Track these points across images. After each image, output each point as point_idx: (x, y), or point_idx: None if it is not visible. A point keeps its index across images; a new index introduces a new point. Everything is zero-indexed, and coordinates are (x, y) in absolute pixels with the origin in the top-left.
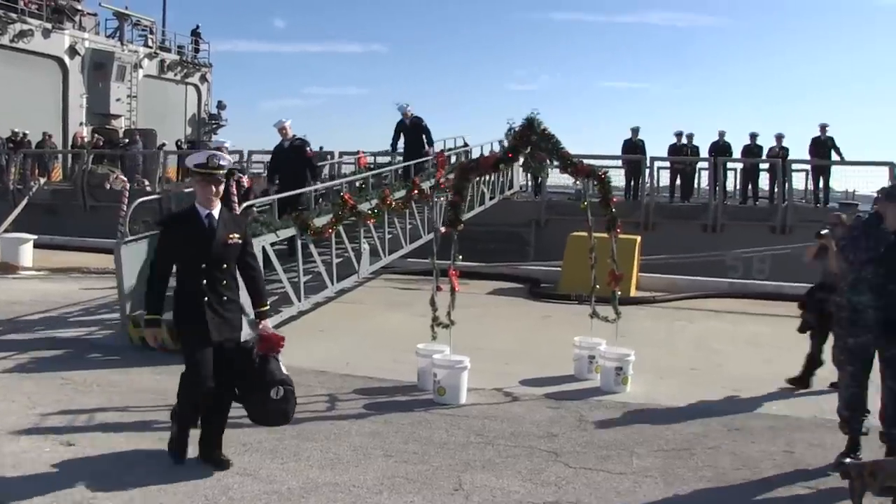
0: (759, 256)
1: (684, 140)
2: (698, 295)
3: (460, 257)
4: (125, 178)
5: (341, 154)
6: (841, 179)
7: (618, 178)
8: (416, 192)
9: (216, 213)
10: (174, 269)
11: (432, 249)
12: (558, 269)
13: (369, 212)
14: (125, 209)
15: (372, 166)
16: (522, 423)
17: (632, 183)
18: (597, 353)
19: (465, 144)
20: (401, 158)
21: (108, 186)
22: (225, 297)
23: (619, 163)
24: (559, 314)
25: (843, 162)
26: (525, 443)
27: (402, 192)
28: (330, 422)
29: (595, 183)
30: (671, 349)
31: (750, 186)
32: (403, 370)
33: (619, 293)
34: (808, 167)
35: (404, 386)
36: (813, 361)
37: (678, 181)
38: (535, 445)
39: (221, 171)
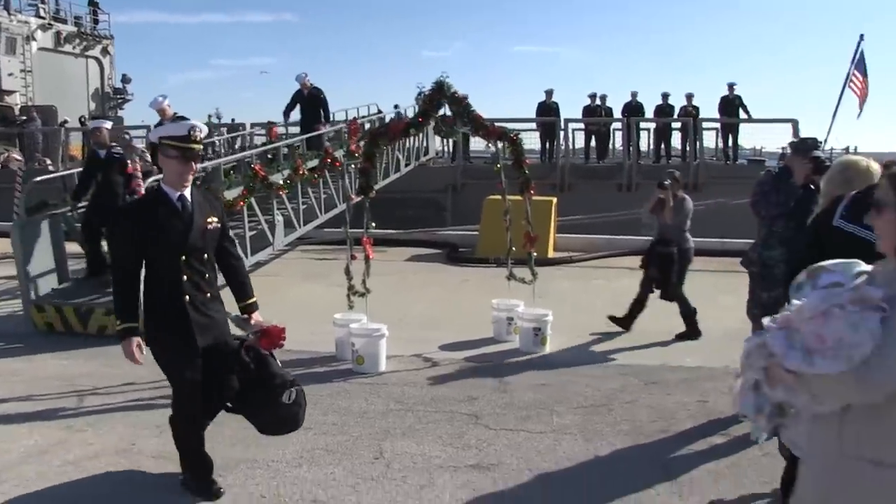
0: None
1: (598, 101)
2: (615, 253)
3: (373, 225)
4: (20, 157)
5: (252, 126)
6: (749, 137)
7: (533, 142)
8: (328, 160)
9: (188, 194)
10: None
11: (345, 218)
12: (476, 233)
13: (282, 182)
14: (20, 190)
15: (285, 137)
16: (442, 387)
17: (547, 145)
18: (515, 314)
19: (379, 111)
20: (296, 130)
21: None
22: (208, 294)
23: (534, 126)
24: (477, 278)
25: (750, 120)
26: (445, 407)
27: (314, 162)
28: None
29: (507, 145)
30: (589, 308)
31: (663, 146)
32: (321, 341)
33: (536, 255)
34: (717, 126)
35: (322, 357)
36: (638, 304)
37: (593, 142)
38: (456, 410)
39: (200, 147)
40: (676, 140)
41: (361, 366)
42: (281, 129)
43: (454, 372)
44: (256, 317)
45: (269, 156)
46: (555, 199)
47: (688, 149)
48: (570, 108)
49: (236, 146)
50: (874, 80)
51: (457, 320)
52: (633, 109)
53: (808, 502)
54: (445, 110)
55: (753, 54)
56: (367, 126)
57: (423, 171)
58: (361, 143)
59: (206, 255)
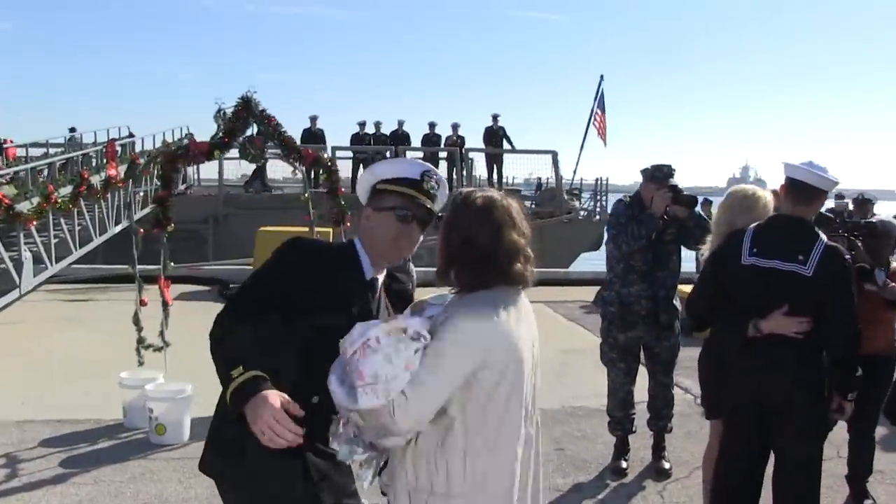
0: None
1: (367, 129)
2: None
3: (171, 264)
4: None
5: None
6: (512, 166)
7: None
8: (83, 188)
9: (381, 278)
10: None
11: (132, 255)
12: (247, 267)
13: (29, 212)
14: None
15: (24, 158)
16: None
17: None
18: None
19: (131, 134)
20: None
21: None
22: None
23: None
24: None
25: (513, 150)
26: None
27: (68, 189)
28: (16, 497)
29: (322, 172)
30: None
31: None
32: (100, 405)
33: None
34: (482, 155)
35: (106, 426)
36: None
37: (360, 171)
38: None
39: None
40: (443, 169)
41: (162, 436)
42: (20, 151)
43: None
44: None
45: (7, 179)
46: (332, 230)
47: (454, 178)
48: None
49: None
50: (618, 118)
51: None
52: (400, 138)
53: None
54: (253, 130)
55: (516, 88)
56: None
57: (181, 200)
58: (122, 168)
59: None
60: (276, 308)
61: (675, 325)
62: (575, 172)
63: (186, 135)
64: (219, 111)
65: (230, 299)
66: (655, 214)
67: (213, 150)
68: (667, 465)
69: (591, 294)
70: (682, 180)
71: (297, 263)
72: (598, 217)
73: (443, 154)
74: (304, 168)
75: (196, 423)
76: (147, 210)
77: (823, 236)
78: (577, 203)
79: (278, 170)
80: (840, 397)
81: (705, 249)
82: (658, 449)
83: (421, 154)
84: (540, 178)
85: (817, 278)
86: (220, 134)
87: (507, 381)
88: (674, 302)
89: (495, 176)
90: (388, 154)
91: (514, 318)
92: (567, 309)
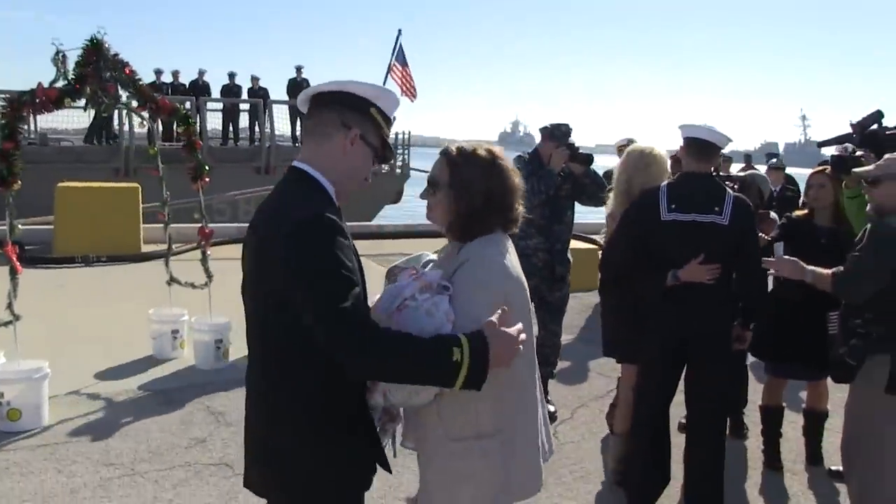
0: (246, 198)
1: (168, 78)
2: (217, 242)
3: (19, 226)
4: None
5: None
6: None
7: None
8: None
9: None
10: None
11: None
12: (47, 227)
13: None
14: None
15: None
16: (149, 433)
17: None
18: (181, 325)
19: None
20: None
21: None
22: None
23: None
24: (74, 282)
25: None
26: (179, 460)
27: None
28: None
29: (179, 124)
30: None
31: (231, 127)
32: None
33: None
34: (286, 108)
35: None
36: None
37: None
38: (197, 461)
39: None
40: (244, 121)
41: (17, 422)
42: None
43: (143, 408)
44: None
45: None
46: (139, 186)
47: (257, 131)
48: None
49: None
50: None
51: (83, 338)
52: (201, 88)
53: (431, 492)
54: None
55: (322, 40)
56: None
57: None
58: None
59: None
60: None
61: (567, 277)
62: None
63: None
64: (57, 53)
65: (337, 330)
66: (553, 171)
67: (62, 97)
68: (552, 409)
69: (404, 247)
70: (460, 134)
71: (344, 245)
72: (398, 171)
73: (244, 106)
74: (159, 120)
75: (55, 404)
76: None
77: (730, 190)
78: None
79: (62, 120)
80: (742, 328)
81: (605, 206)
82: (543, 394)
83: (221, 106)
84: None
85: (733, 226)
86: (69, 79)
87: (526, 319)
88: (568, 255)
89: (298, 129)
90: (187, 105)
91: (516, 260)
92: (390, 262)
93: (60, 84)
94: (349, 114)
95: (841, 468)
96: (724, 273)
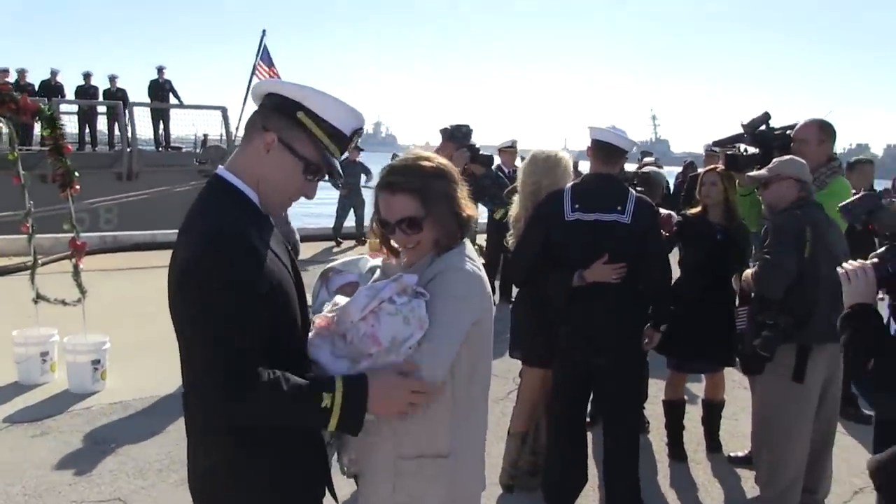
0: (107, 206)
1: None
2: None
3: None
4: None
5: None
6: (179, 123)
7: None
8: None
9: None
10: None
11: None
12: None
13: None
14: None
15: None
16: (24, 471)
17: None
18: (50, 346)
19: None
20: None
21: None
22: None
23: None
24: None
25: (181, 106)
26: (64, 500)
27: None
28: None
29: (44, 126)
30: (115, 321)
31: (88, 130)
32: None
33: None
34: (147, 110)
35: None
36: None
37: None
38: (86, 498)
39: None
40: (103, 125)
41: None
42: None
43: (12, 443)
44: None
45: None
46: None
47: (116, 134)
48: None
49: None
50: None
51: None
52: (53, 90)
53: None
54: None
55: (183, 40)
56: None
57: None
58: None
59: None
60: (259, 328)
61: None
62: (237, 129)
63: None
64: None
65: (207, 372)
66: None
67: None
68: None
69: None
70: None
71: (245, 264)
72: None
73: (101, 109)
74: (17, 122)
75: None
76: None
77: (632, 190)
78: None
79: None
80: (653, 329)
81: (511, 209)
82: None
83: (76, 108)
84: (206, 135)
85: (635, 225)
86: None
87: (489, 333)
88: None
89: (161, 132)
90: None
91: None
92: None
93: None
94: (272, 116)
95: (739, 454)
96: (630, 272)
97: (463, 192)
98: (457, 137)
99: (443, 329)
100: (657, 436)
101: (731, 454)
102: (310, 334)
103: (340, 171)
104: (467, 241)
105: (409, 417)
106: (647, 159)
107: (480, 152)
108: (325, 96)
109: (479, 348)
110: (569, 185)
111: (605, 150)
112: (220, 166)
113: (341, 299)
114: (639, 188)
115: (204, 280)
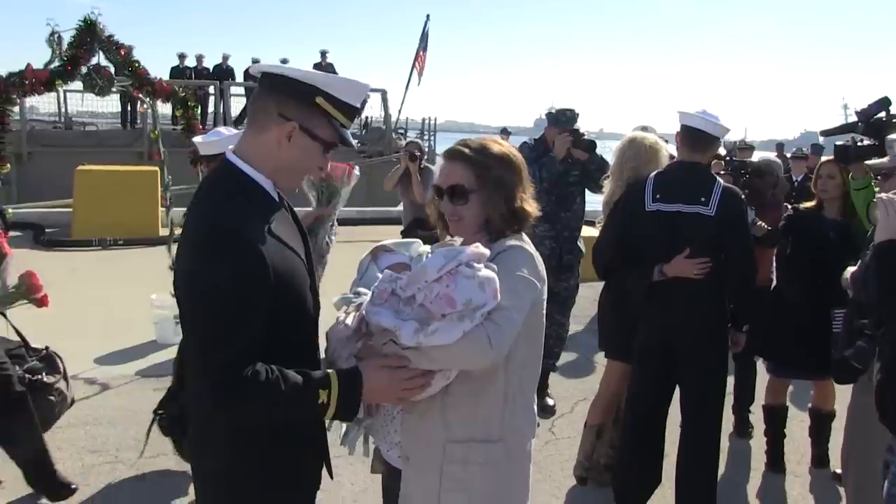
0: None
1: (192, 62)
2: None
3: (10, 211)
4: None
5: None
6: None
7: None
8: None
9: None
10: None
11: None
12: (66, 210)
13: None
14: None
15: None
16: (140, 420)
17: (129, 108)
18: None
19: None
20: None
21: None
22: None
23: None
24: (87, 265)
25: None
26: (165, 448)
27: None
28: None
29: (178, 107)
30: None
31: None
32: None
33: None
34: None
35: None
36: None
37: None
38: None
39: None
40: None
41: None
42: None
43: (137, 394)
44: None
45: None
46: (158, 170)
47: None
48: (154, 67)
49: None
50: (447, 57)
51: (92, 323)
52: (225, 73)
53: (420, 499)
54: (100, 59)
55: (346, 24)
56: None
57: None
58: None
59: None
60: (259, 323)
61: (576, 266)
62: (400, 112)
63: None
64: (52, 34)
65: (205, 371)
66: (557, 157)
67: (54, 78)
68: (551, 402)
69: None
70: (495, 120)
71: (243, 259)
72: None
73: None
74: (154, 103)
75: None
76: None
77: (720, 179)
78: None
79: (88, 104)
80: (735, 330)
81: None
82: (543, 387)
83: (243, 90)
84: (368, 117)
85: (719, 218)
86: (61, 61)
87: (541, 317)
88: (577, 243)
89: None
90: (210, 90)
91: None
92: None
93: (55, 65)
94: (289, 104)
95: None
96: (714, 268)
97: (525, 187)
98: (560, 121)
99: (510, 304)
100: (758, 442)
101: (838, 471)
102: (365, 303)
103: (350, 139)
104: (525, 235)
105: (460, 401)
106: (794, 150)
107: (584, 137)
108: (340, 79)
109: (532, 332)
110: (653, 173)
111: (694, 137)
112: (229, 150)
113: (369, 281)
114: (746, 176)
115: (201, 278)
